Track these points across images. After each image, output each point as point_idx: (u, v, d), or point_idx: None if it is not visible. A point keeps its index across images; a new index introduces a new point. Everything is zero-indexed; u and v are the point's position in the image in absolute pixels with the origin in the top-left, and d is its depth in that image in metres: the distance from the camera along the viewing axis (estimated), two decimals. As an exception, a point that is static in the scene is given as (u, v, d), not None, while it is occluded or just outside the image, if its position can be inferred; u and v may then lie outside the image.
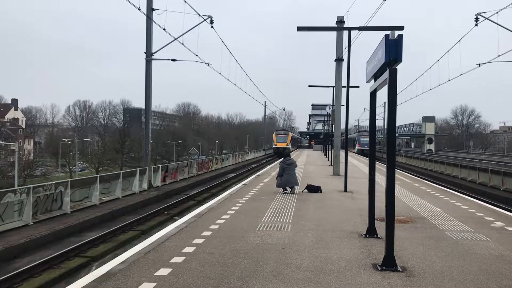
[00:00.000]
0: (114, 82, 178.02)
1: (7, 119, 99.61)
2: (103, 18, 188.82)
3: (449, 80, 25.69)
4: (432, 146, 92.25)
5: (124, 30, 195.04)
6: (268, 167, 29.24)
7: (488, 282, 5.18)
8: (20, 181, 40.58)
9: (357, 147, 64.08)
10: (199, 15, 20.75)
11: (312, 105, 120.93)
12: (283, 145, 61.64)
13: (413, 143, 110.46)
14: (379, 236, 7.35)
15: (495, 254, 6.46)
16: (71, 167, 62.29)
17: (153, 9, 21.49)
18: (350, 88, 16.23)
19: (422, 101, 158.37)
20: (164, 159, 64.52)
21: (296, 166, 14.25)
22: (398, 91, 5.70)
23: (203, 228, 8.04)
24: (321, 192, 13.84)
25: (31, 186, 13.13)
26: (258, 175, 20.85)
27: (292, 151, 62.51)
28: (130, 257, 6.04)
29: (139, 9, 16.98)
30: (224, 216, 9.29)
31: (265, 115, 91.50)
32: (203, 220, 8.84)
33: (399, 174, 22.08)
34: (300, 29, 15.57)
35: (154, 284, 4.92)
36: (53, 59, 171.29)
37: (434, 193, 14.45)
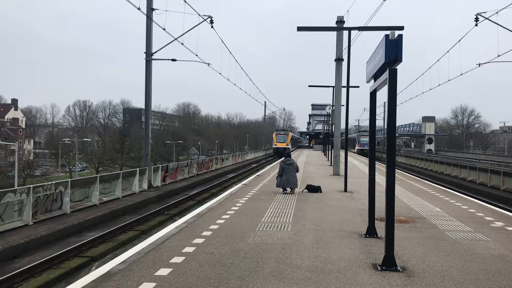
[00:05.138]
0: (114, 82, 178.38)
1: (7, 119, 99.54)
2: (103, 18, 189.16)
3: (449, 80, 25.72)
4: (432, 146, 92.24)
5: (124, 30, 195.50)
6: (268, 167, 29.24)
7: (488, 282, 5.18)
8: (20, 181, 40.59)
9: (357, 147, 64.10)
10: (199, 15, 20.76)
11: (312, 105, 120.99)
12: (283, 145, 61.65)
13: (413, 143, 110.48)
14: (379, 236, 7.35)
15: (495, 254, 6.45)
16: (71, 167, 62.30)
17: (153, 9, 21.49)
18: (350, 88, 16.23)
19: (422, 101, 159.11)
20: (164, 159, 64.48)
21: (298, 171, 14.07)
22: (398, 91, 5.70)
23: (203, 228, 8.04)
24: (321, 192, 13.84)
25: (31, 186, 13.12)
26: (258, 175, 20.85)
27: (292, 151, 62.50)
28: (130, 257, 6.04)
29: (139, 9, 16.98)
30: (224, 216, 9.28)
31: (265, 115, 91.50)
32: (203, 220, 8.84)
33: (399, 174, 22.08)
34: (300, 29, 15.57)
35: (154, 284, 4.92)
36: (53, 59, 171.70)
37: (434, 193, 14.45)
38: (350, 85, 16.13)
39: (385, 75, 5.70)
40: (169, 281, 5.03)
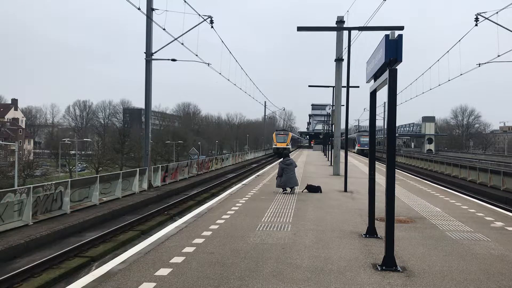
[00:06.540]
0: (114, 82, 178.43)
1: (7, 119, 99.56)
2: (103, 18, 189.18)
3: (449, 80, 25.70)
4: (432, 146, 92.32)
5: (124, 30, 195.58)
6: (268, 167, 29.23)
7: (488, 282, 5.18)
8: (20, 181, 40.60)
9: (357, 147, 64.14)
10: (199, 15, 20.76)
11: (312, 105, 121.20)
12: (283, 145, 61.66)
13: (413, 143, 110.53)
14: (379, 236, 7.35)
15: (495, 254, 6.45)
16: (71, 167, 62.29)
17: (153, 9, 21.48)
18: (350, 88, 16.23)
19: (422, 101, 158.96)
20: (163, 159, 64.46)
21: (296, 167, 14.24)
22: (398, 91, 5.70)
23: (203, 228, 8.04)
24: (321, 192, 13.84)
25: (31, 186, 13.11)
26: (258, 175, 20.85)
27: (292, 151, 62.52)
28: (130, 257, 6.04)
29: (139, 9, 16.98)
30: (224, 216, 9.28)
31: (265, 115, 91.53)
32: (203, 220, 8.84)
33: (399, 174, 22.08)
34: (300, 29, 15.56)
35: (154, 284, 4.92)
36: (53, 59, 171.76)
37: (434, 193, 14.45)
38: (350, 85, 16.13)
39: (385, 75, 5.70)
40: (169, 281, 5.03)
